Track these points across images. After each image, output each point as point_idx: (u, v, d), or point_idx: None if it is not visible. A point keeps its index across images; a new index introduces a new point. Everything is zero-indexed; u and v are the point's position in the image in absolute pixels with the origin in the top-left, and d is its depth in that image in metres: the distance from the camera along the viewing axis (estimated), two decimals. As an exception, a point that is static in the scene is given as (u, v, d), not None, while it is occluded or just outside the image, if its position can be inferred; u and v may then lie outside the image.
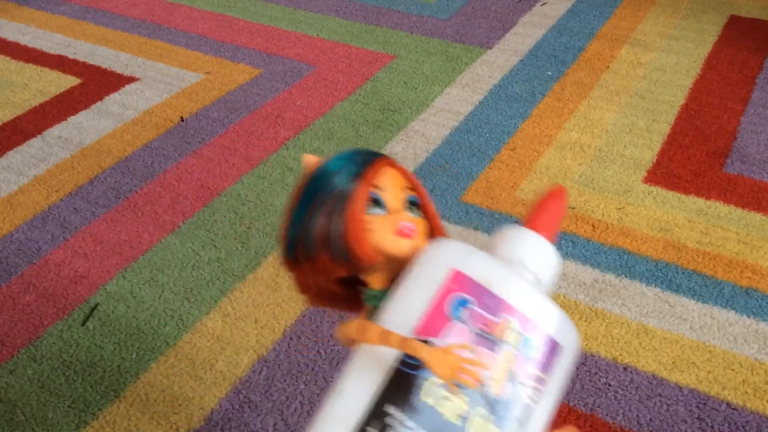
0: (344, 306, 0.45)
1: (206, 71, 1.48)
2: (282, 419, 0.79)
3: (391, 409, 0.34)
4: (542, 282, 0.39)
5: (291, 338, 0.88)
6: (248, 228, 1.05)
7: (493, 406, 0.34)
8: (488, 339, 0.35)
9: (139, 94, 1.40)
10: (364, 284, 0.42)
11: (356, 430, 0.34)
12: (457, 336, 0.35)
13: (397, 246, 0.39)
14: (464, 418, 0.34)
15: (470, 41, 1.59)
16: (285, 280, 0.96)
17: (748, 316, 0.89)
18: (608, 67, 1.47)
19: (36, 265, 0.99)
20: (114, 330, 0.90)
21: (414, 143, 1.24)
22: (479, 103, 1.35)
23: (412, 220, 0.40)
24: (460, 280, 0.36)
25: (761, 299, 0.92)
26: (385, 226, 0.39)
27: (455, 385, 0.34)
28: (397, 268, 0.40)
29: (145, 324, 0.90)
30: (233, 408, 0.80)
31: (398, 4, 1.78)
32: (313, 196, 0.40)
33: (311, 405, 0.80)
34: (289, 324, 0.90)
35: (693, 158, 1.19)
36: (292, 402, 0.81)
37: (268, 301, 0.93)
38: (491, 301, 0.36)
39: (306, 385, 0.82)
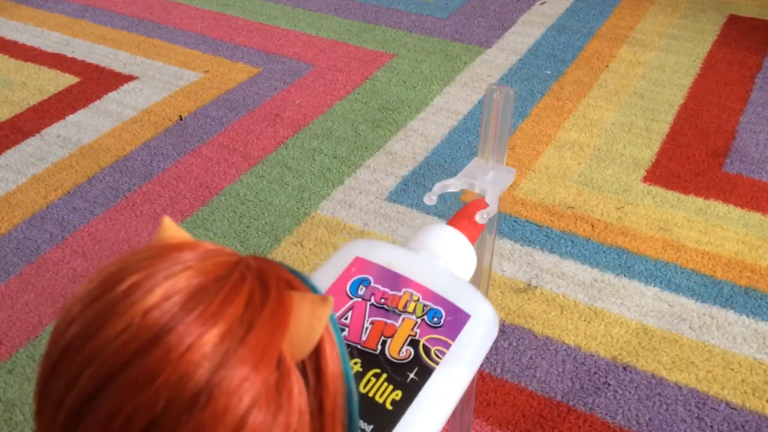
0: None
1: (205, 70, 1.48)
2: (281, 419, 0.79)
3: None
4: (457, 269, 0.45)
5: (290, 337, 0.88)
6: (247, 227, 1.05)
7: (389, 367, 0.39)
8: (386, 309, 0.41)
9: (137, 93, 1.39)
10: None
11: None
12: (356, 310, 0.41)
13: None
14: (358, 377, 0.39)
15: (469, 40, 1.59)
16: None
17: (748, 316, 0.89)
18: (607, 66, 1.47)
19: (34, 264, 0.99)
20: (113, 329, 0.89)
21: (413, 142, 1.23)
22: (478, 102, 1.35)
23: None
24: (361, 264, 0.43)
25: (760, 299, 0.92)
26: None
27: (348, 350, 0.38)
28: None
29: (144, 323, 0.90)
30: (232, 407, 0.80)
31: (397, 3, 1.77)
32: None
33: (310, 404, 0.80)
34: (288, 323, 0.90)
35: (692, 158, 1.19)
36: (291, 401, 0.80)
37: (267, 301, 0.93)
38: (392, 278, 0.42)
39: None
